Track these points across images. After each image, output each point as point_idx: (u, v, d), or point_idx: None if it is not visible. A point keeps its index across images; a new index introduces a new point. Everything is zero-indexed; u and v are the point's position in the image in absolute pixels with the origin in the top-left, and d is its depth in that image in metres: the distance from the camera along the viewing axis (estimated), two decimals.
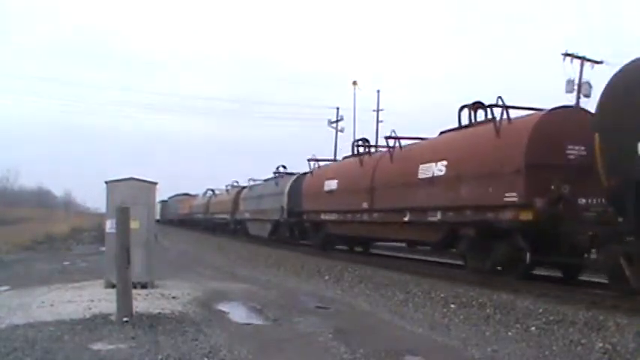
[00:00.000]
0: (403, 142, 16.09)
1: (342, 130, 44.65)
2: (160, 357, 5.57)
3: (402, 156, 15.45)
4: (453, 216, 12.62)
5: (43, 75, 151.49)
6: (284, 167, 28.26)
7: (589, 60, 29.62)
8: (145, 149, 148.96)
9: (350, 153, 20.13)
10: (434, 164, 13.21)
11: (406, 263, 16.05)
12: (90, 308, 8.09)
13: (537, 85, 37.72)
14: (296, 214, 23.24)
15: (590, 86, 28.90)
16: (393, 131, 16.09)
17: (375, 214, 16.21)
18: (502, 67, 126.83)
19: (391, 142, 16.04)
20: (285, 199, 24.57)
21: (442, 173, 12.88)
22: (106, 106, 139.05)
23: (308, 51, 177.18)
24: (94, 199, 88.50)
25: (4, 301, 9.19)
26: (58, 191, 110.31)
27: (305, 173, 23.63)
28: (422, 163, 13.69)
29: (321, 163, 22.55)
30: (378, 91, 44.33)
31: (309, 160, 22.42)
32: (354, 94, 45.07)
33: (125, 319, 7.18)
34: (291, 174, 26.55)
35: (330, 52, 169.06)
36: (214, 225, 41.48)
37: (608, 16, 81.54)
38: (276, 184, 26.86)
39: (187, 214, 54.29)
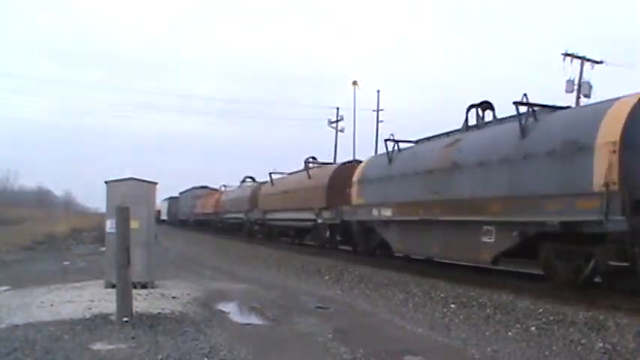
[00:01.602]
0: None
1: (342, 130, 44.58)
2: (159, 357, 5.56)
3: None
4: None
5: (43, 75, 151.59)
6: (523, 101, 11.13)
7: (589, 60, 29.62)
8: (145, 149, 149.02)
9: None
10: None
11: (406, 263, 15.88)
12: (90, 308, 8.09)
13: (537, 85, 37.62)
14: None
15: (590, 86, 28.90)
16: None
17: None
18: (502, 67, 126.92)
19: None
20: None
21: None
22: (106, 106, 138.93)
23: (308, 51, 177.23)
24: (94, 199, 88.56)
25: (4, 301, 9.17)
26: (58, 191, 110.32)
27: None
28: None
29: None
30: (378, 91, 44.02)
31: None
32: (354, 94, 44.82)
33: (125, 319, 7.17)
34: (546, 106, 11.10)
35: (331, 53, 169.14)
36: (271, 229, 27.51)
37: (607, 16, 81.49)
38: (523, 131, 10.56)
39: (212, 213, 40.57)
